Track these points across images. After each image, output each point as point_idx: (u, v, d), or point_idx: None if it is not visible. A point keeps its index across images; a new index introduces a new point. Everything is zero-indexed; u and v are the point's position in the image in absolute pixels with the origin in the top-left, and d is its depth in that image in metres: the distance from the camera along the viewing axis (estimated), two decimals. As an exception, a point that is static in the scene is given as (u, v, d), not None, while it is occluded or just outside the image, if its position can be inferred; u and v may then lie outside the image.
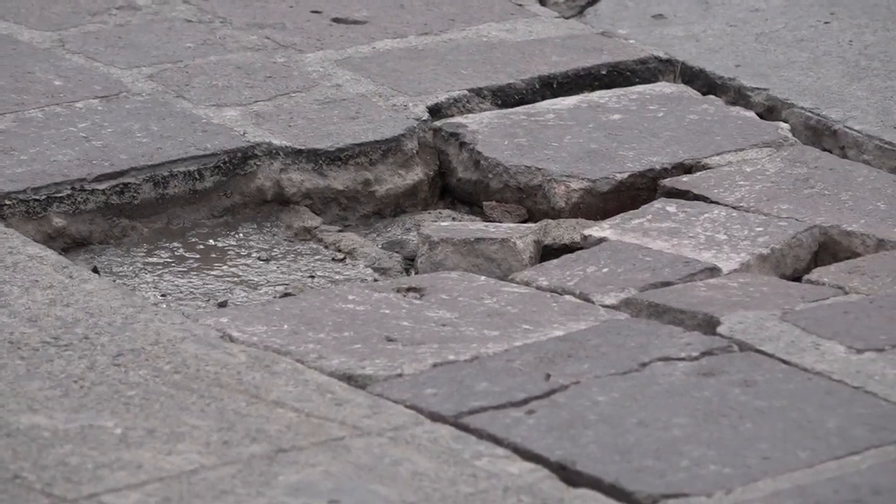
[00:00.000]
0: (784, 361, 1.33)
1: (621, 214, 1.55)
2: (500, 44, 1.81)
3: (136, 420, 1.24)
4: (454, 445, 1.22)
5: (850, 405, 1.26)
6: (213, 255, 1.63)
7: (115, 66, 1.74)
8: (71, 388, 1.28)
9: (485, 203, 1.61)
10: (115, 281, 1.61)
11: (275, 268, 1.66)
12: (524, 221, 1.60)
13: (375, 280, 1.62)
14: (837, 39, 1.85)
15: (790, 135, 1.68)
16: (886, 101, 1.73)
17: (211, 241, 1.65)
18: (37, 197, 1.51)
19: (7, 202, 1.52)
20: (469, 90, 1.73)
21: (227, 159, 1.60)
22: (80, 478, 1.18)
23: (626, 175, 1.59)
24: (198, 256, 1.63)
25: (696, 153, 1.63)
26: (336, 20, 1.86)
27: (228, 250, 1.60)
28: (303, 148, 1.61)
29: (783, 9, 1.96)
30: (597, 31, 1.87)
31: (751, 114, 1.72)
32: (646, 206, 1.57)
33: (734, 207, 1.55)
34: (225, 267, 1.65)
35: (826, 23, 1.88)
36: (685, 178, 1.59)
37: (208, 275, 1.61)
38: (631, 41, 1.86)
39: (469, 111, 1.70)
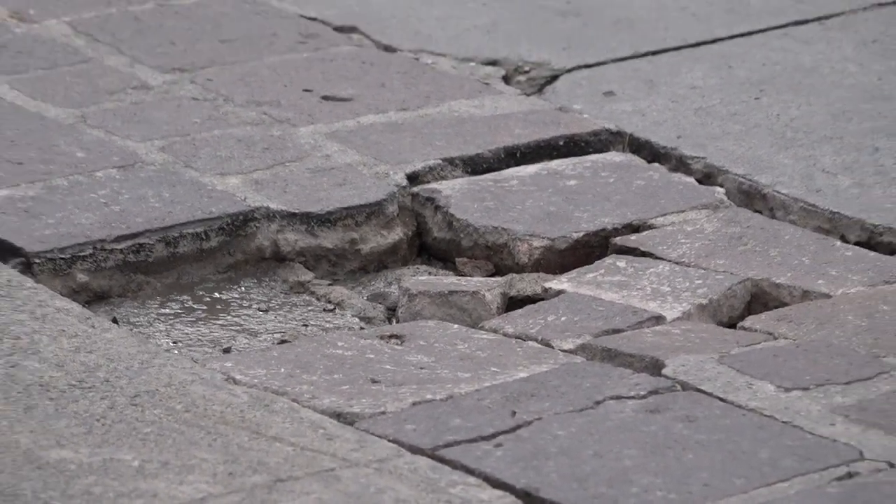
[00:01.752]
0: (721, 399, 1.33)
1: (577, 269, 1.55)
2: (470, 118, 1.81)
3: (151, 454, 1.24)
4: (431, 475, 1.22)
5: (779, 438, 1.27)
6: (219, 307, 1.62)
7: (131, 140, 1.74)
8: (94, 425, 1.29)
9: (457, 259, 1.61)
10: (132, 330, 1.59)
11: (273, 318, 1.63)
12: (492, 275, 1.59)
13: (361, 328, 1.58)
14: (766, 113, 1.85)
15: (725, 198, 1.68)
16: (809, 168, 1.72)
17: (216, 294, 1.64)
18: (63, 256, 1.50)
19: (36, 261, 1.51)
20: (443, 159, 1.72)
21: (230, 222, 1.60)
22: None
23: (581, 234, 1.59)
24: (205, 308, 1.62)
25: (642, 214, 1.63)
26: (325, 98, 1.86)
27: (232, 302, 1.59)
28: (297, 211, 1.61)
29: (718, 87, 1.93)
30: (555, 106, 1.87)
31: (690, 179, 1.72)
32: (599, 261, 1.56)
33: (676, 263, 1.55)
34: (229, 317, 1.63)
35: (756, 98, 1.89)
36: (633, 236, 1.59)
37: (214, 324, 1.61)
38: (585, 115, 1.85)
39: (443, 178, 1.70)
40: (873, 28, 2.17)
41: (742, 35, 2.08)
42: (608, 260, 1.55)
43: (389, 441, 1.25)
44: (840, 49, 2.08)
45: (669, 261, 1.53)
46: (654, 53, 2.02)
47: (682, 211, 1.64)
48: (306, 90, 1.87)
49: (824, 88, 1.93)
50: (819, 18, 2.14)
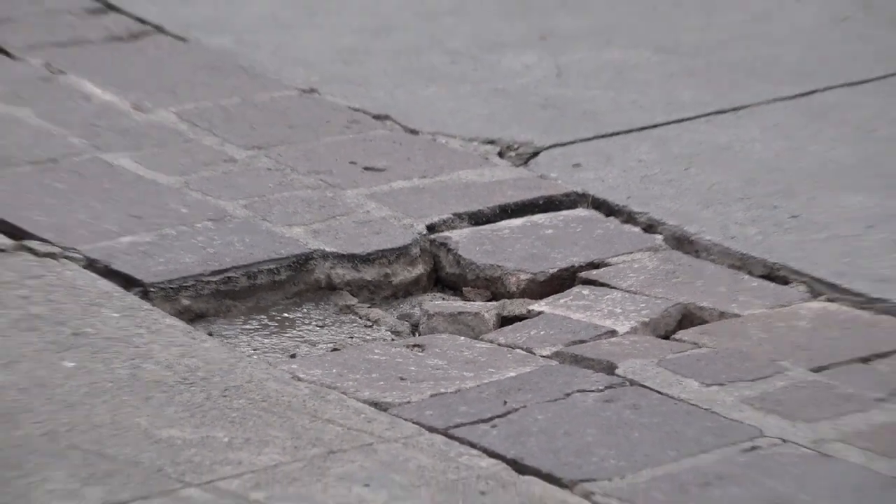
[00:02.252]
0: (659, 392, 1.33)
1: (553, 296, 1.54)
2: (473, 184, 1.79)
3: (237, 432, 1.24)
4: (444, 448, 1.23)
5: (702, 421, 1.27)
6: (287, 324, 1.57)
7: (221, 199, 1.73)
8: (195, 411, 1.29)
9: (464, 288, 1.60)
10: (222, 341, 1.51)
11: (327, 332, 1.53)
12: (490, 300, 1.58)
13: (392, 339, 1.51)
14: (694, 180, 1.84)
15: (663, 243, 1.66)
16: (725, 220, 1.65)
17: (285, 314, 1.57)
18: (171, 286, 1.50)
19: (152, 289, 1.49)
20: (453, 214, 1.71)
21: (295, 261, 1.58)
22: (201, 470, 1.20)
23: (556, 270, 1.57)
24: (276, 324, 1.58)
25: (601, 255, 1.61)
26: (366, 168, 1.84)
27: (297, 320, 1.55)
28: (345, 253, 1.59)
29: (658, 160, 1.86)
30: (536, 175, 1.86)
31: (637, 229, 1.70)
32: (569, 290, 1.55)
33: (626, 291, 1.52)
34: (294, 331, 1.54)
35: (686, 169, 1.84)
36: (595, 271, 1.57)
37: (283, 336, 1.51)
38: (559, 181, 1.84)
39: (453, 228, 1.68)
40: (774, 116, 2.15)
41: (676, 121, 2.06)
42: (576, 289, 1.54)
43: (413, 423, 1.25)
44: (749, 132, 2.06)
45: (621, 289, 1.53)
46: (611, 135, 2.00)
47: (631, 252, 1.63)
48: (352, 162, 1.86)
49: (737, 162, 1.89)
50: (734, 109, 2.09)
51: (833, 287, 1.47)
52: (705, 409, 1.27)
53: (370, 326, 1.52)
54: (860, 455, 1.20)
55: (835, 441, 1.21)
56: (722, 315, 1.44)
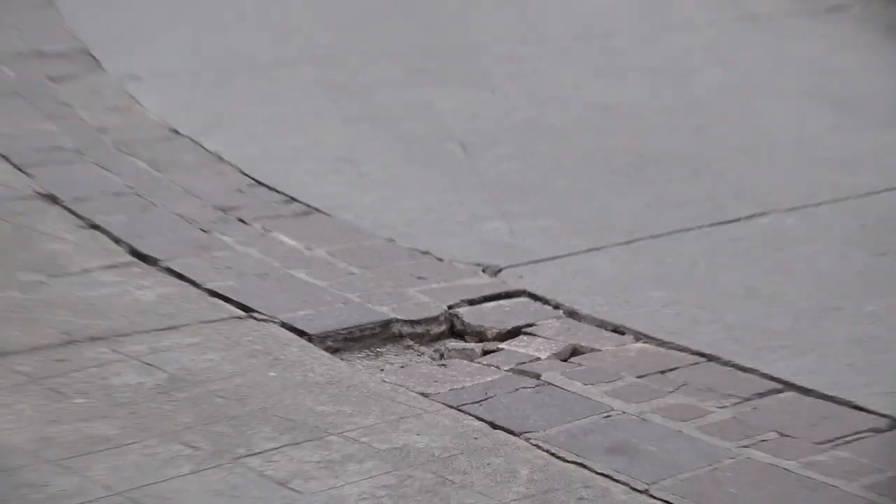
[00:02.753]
0: (562, 389, 1.39)
1: (509, 340, 1.52)
2: (471, 285, 1.75)
3: (354, 408, 1.33)
4: (456, 416, 1.32)
5: (583, 403, 1.34)
6: (378, 355, 1.55)
7: (347, 293, 1.64)
8: (334, 397, 1.37)
9: (465, 336, 1.59)
10: (348, 363, 1.52)
11: (398, 358, 1.61)
12: (478, 342, 1.59)
13: (430, 362, 1.55)
14: (578, 285, 1.79)
15: (563, 314, 1.62)
16: (593, 303, 1.68)
17: (378, 349, 1.55)
18: (322, 335, 1.54)
19: (314, 337, 1.49)
20: (461, 300, 1.69)
21: (383, 322, 1.56)
22: (336, 427, 1.27)
23: (510, 327, 1.56)
24: (374, 355, 1.52)
25: (532, 320, 1.61)
26: (417, 278, 1.77)
27: (384, 352, 1.59)
28: (407, 319, 1.59)
29: (560, 276, 1.89)
30: (501, 281, 1.78)
31: (550, 307, 1.68)
32: (517, 337, 1.56)
33: (545, 338, 1.57)
34: (382, 358, 1.57)
35: (573, 278, 1.79)
36: (529, 328, 1.57)
37: (377, 360, 1.55)
38: (512, 285, 1.77)
39: (461, 307, 1.68)
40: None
41: (571, 254, 1.95)
42: (520, 337, 1.55)
43: (441, 403, 1.32)
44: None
45: (543, 337, 1.54)
46: (536, 262, 1.92)
47: (547, 319, 1.58)
48: (410, 275, 1.80)
49: (598, 277, 1.87)
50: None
51: (646, 336, 1.52)
52: (585, 397, 1.31)
53: (420, 355, 1.53)
54: (662, 419, 1.27)
55: (650, 412, 1.28)
56: (592, 349, 1.47)
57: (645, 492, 1.10)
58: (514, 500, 1.09)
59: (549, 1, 3.40)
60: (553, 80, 2.67)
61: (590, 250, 1.89)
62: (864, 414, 1.27)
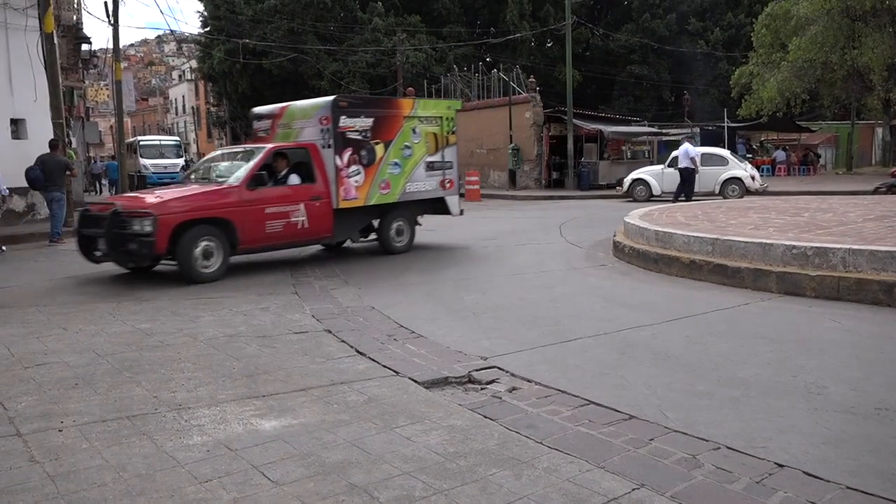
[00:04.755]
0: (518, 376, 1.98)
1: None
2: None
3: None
4: (430, 394, 1.81)
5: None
6: (439, 387, 2.18)
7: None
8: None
9: (474, 381, 2.10)
10: (431, 391, 2.09)
11: (459, 390, 2.17)
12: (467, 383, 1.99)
13: (474, 390, 2.16)
14: (535, 371, 2.55)
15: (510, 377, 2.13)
16: (531, 373, 2.46)
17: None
18: (424, 381, 2.14)
19: (423, 382, 1.99)
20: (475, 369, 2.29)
21: (460, 376, 2.16)
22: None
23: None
24: (460, 387, 2.24)
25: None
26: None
27: (444, 383, 2.24)
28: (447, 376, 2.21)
29: (527, 361, 2.74)
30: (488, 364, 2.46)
31: (508, 375, 2.26)
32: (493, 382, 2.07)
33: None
34: (446, 389, 2.21)
35: (529, 367, 2.55)
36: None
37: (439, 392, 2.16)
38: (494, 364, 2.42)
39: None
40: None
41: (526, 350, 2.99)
42: (493, 382, 2.12)
43: (459, 405, 1.79)
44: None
45: (503, 383, 2.04)
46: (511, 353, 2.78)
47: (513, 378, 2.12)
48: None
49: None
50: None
51: (542, 385, 2.22)
52: (513, 404, 1.85)
53: (456, 387, 2.33)
54: (547, 415, 1.78)
55: (544, 414, 1.69)
56: (520, 389, 2.15)
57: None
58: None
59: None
60: (508, 292, 4.36)
61: (520, 351, 3.10)
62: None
